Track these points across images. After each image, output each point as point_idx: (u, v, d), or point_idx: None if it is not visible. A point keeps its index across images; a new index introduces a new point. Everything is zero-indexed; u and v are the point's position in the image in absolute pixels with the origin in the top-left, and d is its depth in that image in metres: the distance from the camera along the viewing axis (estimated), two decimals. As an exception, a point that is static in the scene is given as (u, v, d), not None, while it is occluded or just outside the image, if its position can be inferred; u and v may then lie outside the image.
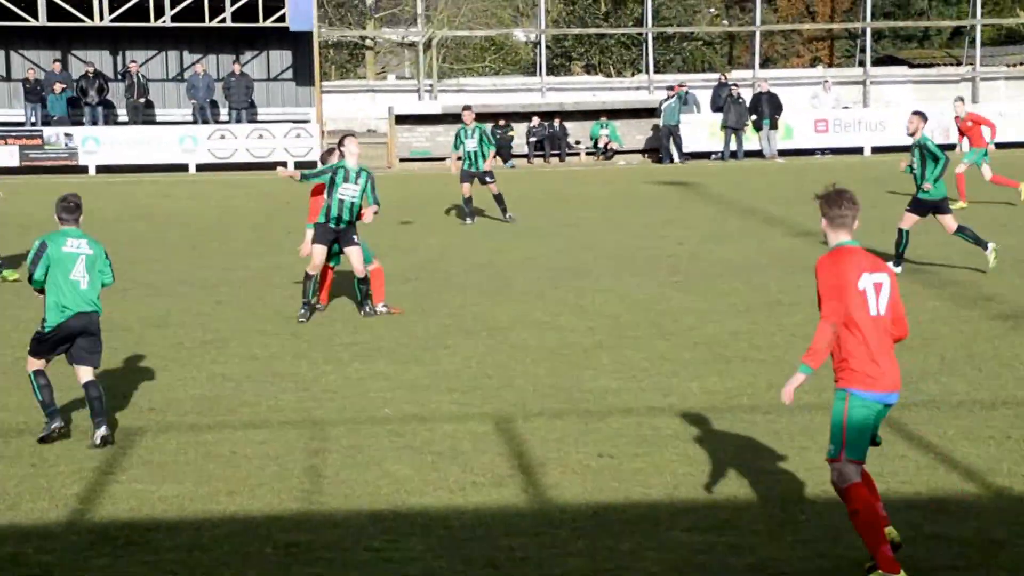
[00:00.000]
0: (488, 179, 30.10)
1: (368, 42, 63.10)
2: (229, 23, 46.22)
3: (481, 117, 46.83)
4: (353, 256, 19.45)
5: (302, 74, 49.19)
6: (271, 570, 9.86)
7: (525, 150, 48.28)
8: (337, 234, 19.38)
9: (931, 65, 58.65)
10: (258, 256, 25.98)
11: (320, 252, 19.36)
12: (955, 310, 18.98)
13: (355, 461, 12.40)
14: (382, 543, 10.30)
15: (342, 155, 19.34)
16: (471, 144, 30.13)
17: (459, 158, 30.42)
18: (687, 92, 48.44)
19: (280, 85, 50.14)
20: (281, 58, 50.01)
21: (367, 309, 19.51)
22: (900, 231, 22.34)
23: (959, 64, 57.43)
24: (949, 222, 22.11)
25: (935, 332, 17.42)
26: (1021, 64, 58.95)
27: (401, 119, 47.59)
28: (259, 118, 48.24)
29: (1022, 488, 11.22)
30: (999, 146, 46.69)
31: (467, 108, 31.35)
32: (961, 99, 33.99)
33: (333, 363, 16.53)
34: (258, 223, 31.30)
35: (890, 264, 21.64)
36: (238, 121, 46.77)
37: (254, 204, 35.52)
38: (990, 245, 21.83)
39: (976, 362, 15.77)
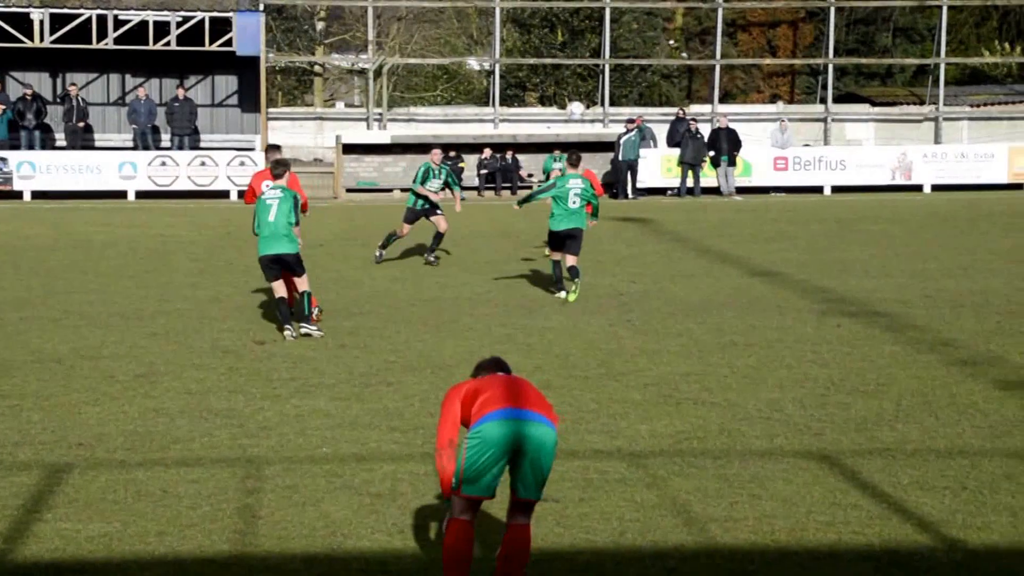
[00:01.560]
0: (439, 211, 29.37)
1: (317, 68, 62.86)
2: (174, 46, 45.80)
3: (431, 149, 46.78)
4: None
5: (248, 100, 48.85)
6: (198, 617, 9.50)
7: (476, 182, 48.00)
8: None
9: (894, 103, 58.77)
10: (197, 287, 25.57)
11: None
12: (912, 355, 18.75)
13: (291, 501, 12.07)
14: None
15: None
16: (436, 184, 29.22)
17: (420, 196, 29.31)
18: (645, 126, 48.32)
19: (225, 111, 49.79)
20: (227, 83, 49.65)
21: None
22: None
23: (922, 103, 57.57)
24: None
25: (891, 377, 17.23)
26: (985, 104, 59.12)
27: (349, 148, 47.22)
28: (202, 145, 47.77)
29: (976, 541, 11.01)
30: (959, 188, 47.14)
31: (437, 147, 30.62)
32: None
33: (271, 399, 16.15)
34: (198, 254, 30.90)
35: None
36: (180, 148, 46.29)
37: (195, 234, 35.12)
38: None
39: (932, 409, 15.55)
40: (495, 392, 9.53)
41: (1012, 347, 19.21)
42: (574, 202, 23.78)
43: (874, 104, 58.54)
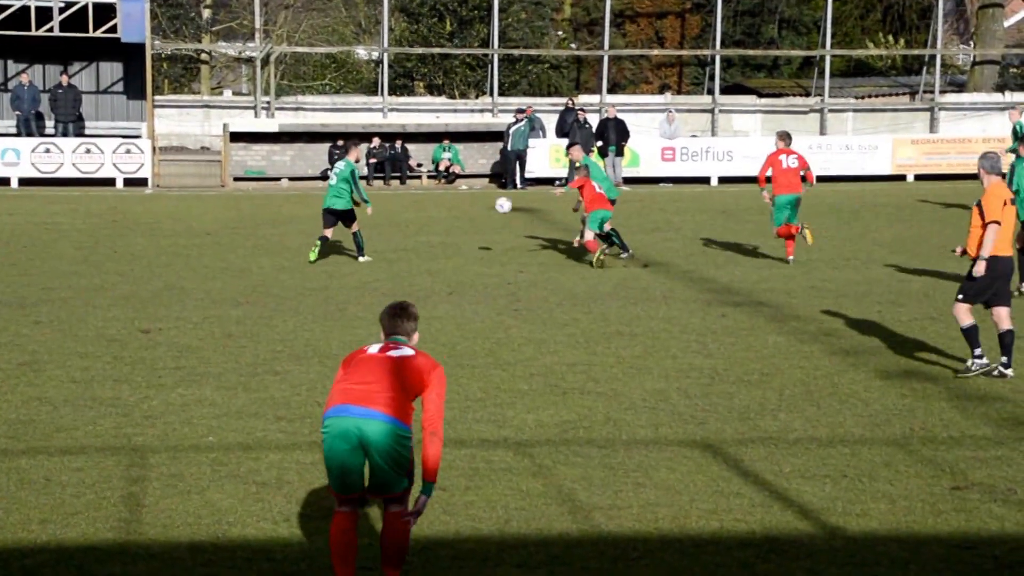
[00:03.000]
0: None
1: (204, 56, 62.33)
2: (57, 32, 45.14)
3: (320, 137, 46.74)
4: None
5: (133, 87, 48.26)
6: (81, 605, 9.44)
7: (365, 171, 47.86)
8: None
9: (780, 95, 59.30)
10: (81, 275, 25.24)
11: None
12: (796, 345, 18.95)
13: (176, 490, 12.02)
14: None
15: None
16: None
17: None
18: (535, 116, 48.35)
19: (110, 98, 49.12)
20: (112, 70, 48.98)
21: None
22: None
23: (808, 95, 58.16)
24: None
25: (775, 367, 17.40)
26: (869, 96, 59.82)
27: (236, 136, 46.87)
28: (87, 132, 47.15)
29: (856, 528, 11.17)
30: (844, 179, 47.66)
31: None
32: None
33: (156, 388, 16.03)
34: (83, 242, 30.51)
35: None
36: (65, 134, 45.65)
37: (80, 222, 34.68)
38: None
39: (815, 398, 15.73)
40: (344, 385, 9.57)
41: (892, 337, 19.46)
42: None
43: (760, 95, 59.05)
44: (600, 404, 15.24)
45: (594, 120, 48.62)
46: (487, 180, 48.49)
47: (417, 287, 24.13)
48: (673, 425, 14.42)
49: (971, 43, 64.22)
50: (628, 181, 47.41)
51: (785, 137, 27.57)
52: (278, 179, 46.95)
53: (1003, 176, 17.20)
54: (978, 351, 16.75)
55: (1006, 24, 64.50)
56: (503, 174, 47.41)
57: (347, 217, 27.67)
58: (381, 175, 47.92)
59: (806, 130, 52.52)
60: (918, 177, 48.52)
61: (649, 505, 11.61)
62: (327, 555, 10.31)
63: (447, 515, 11.40)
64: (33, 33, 45.00)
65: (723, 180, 48.15)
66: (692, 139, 50.30)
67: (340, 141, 45.88)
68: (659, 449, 13.36)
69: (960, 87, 60.66)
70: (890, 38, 68.25)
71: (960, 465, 12.96)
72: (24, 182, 43.89)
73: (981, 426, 14.56)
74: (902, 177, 48.55)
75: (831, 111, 54.52)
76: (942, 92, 56.16)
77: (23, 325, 20.05)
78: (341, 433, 9.36)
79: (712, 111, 54.38)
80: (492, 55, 53.95)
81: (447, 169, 48.15)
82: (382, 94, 52.86)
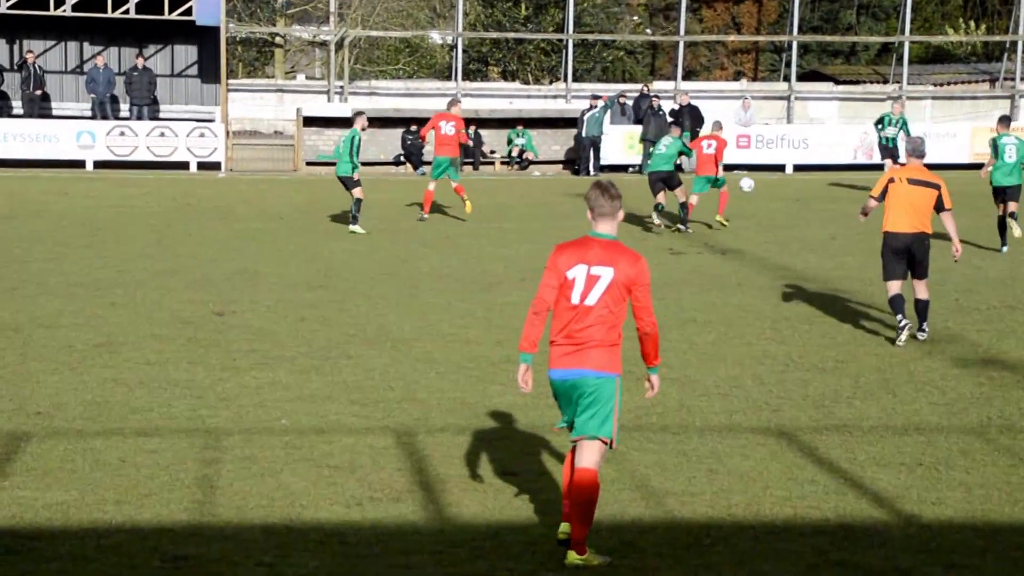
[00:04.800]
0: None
1: (278, 40, 62.55)
2: (133, 15, 45.52)
3: (393, 122, 46.81)
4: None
5: (208, 71, 48.55)
6: (157, 584, 9.53)
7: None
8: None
9: (857, 82, 58.84)
10: (155, 258, 25.44)
11: None
12: (871, 333, 18.90)
13: (249, 472, 12.08)
14: (274, 558, 10.03)
15: None
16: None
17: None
18: (621, 102, 48.08)
19: (184, 81, 49.46)
20: (186, 53, 49.29)
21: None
22: None
23: (886, 81, 57.67)
24: None
25: (851, 355, 17.38)
26: (948, 84, 59.24)
27: (309, 121, 47.04)
28: (161, 115, 47.46)
29: (931, 515, 11.13)
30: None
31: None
32: None
33: (230, 371, 16.12)
34: (157, 225, 30.76)
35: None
36: (139, 118, 45.97)
37: (154, 205, 34.97)
38: None
39: (890, 386, 15.68)
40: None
41: (970, 325, 19.39)
42: None
43: (838, 82, 58.67)
44: (674, 391, 15.19)
45: (668, 107, 48.43)
46: (560, 166, 48.42)
47: (490, 273, 24.17)
48: (747, 412, 14.38)
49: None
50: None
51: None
52: (351, 163, 47.09)
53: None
54: (900, 317, 18.06)
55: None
56: (576, 160, 47.34)
57: (349, 183, 29.45)
58: (454, 160, 47.97)
59: (882, 118, 52.13)
60: (998, 167, 48.02)
61: (722, 492, 11.61)
62: (399, 538, 10.40)
63: (519, 501, 11.41)
64: (109, 15, 45.37)
65: (798, 168, 47.88)
66: (767, 126, 50.00)
67: (413, 126, 46.03)
68: (733, 436, 13.34)
69: (1041, 75, 60.03)
70: (971, 24, 67.61)
71: (1038, 454, 12.89)
72: (99, 165, 44.24)
73: (1059, 415, 14.47)
74: (980, 166, 48.10)
75: (910, 98, 54.01)
76: (1023, 79, 55.59)
77: (99, 307, 20.21)
78: None
79: (788, 98, 54.06)
80: (567, 40, 53.82)
81: (520, 155, 48.10)
82: (456, 79, 52.86)
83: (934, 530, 10.79)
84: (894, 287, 18.11)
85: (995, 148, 28.01)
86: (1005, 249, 27.30)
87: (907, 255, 18.07)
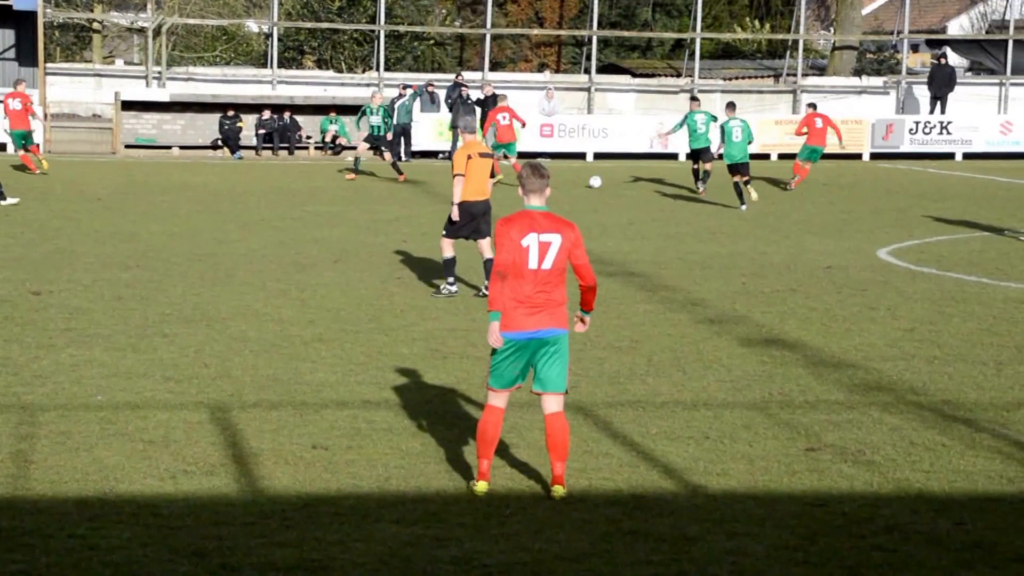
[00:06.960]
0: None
1: (96, 25, 61.84)
2: (-52, -2, 44.85)
3: (210, 107, 46.79)
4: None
5: (25, 55, 47.95)
6: (-31, 556, 9.65)
7: (254, 142, 48.01)
8: None
9: (653, 75, 60.18)
10: (-27, 238, 25.30)
11: None
12: (664, 314, 19.49)
13: (64, 447, 12.24)
14: (87, 530, 10.15)
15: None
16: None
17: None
18: (429, 90, 48.60)
19: (2, 65, 48.77)
20: (3, 37, 48.63)
21: None
22: None
23: (679, 75, 59.02)
24: None
25: (644, 334, 17.92)
26: (736, 78, 60.87)
27: (128, 105, 46.85)
28: (-24, 98, 46.68)
29: (716, 486, 11.59)
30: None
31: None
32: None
33: (46, 348, 16.28)
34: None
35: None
36: (-44, 100, 45.19)
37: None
38: None
39: (681, 364, 16.24)
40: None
41: (755, 307, 20.07)
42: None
43: (635, 75, 59.96)
44: (478, 369, 15.41)
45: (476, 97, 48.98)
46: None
47: (304, 255, 24.40)
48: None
49: (831, 29, 65.61)
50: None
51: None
52: (169, 147, 47.02)
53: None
54: (451, 279, 20.54)
55: (864, 12, 66.39)
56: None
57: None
58: (270, 145, 48.09)
59: (677, 109, 53.12)
60: (781, 156, 49.41)
61: (520, 464, 11.99)
62: (211, 509, 10.67)
63: (328, 473, 11.69)
64: (-79, -2, 44.66)
65: (598, 156, 48.93)
66: (569, 116, 50.90)
67: (230, 112, 46.12)
68: (532, 411, 13.42)
69: (821, 71, 62.03)
70: (756, 23, 69.97)
71: (814, 428, 13.48)
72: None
73: (834, 391, 15.13)
74: (766, 156, 49.39)
75: (701, 91, 55.21)
76: (804, 75, 57.60)
77: (-87, 288, 20.10)
78: None
79: (589, 89, 55.06)
80: (379, 31, 54.18)
81: (334, 140, 48.40)
82: (271, 67, 52.87)
83: (719, 500, 11.20)
84: (451, 249, 20.56)
85: (723, 131, 33.75)
86: (744, 207, 33.10)
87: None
